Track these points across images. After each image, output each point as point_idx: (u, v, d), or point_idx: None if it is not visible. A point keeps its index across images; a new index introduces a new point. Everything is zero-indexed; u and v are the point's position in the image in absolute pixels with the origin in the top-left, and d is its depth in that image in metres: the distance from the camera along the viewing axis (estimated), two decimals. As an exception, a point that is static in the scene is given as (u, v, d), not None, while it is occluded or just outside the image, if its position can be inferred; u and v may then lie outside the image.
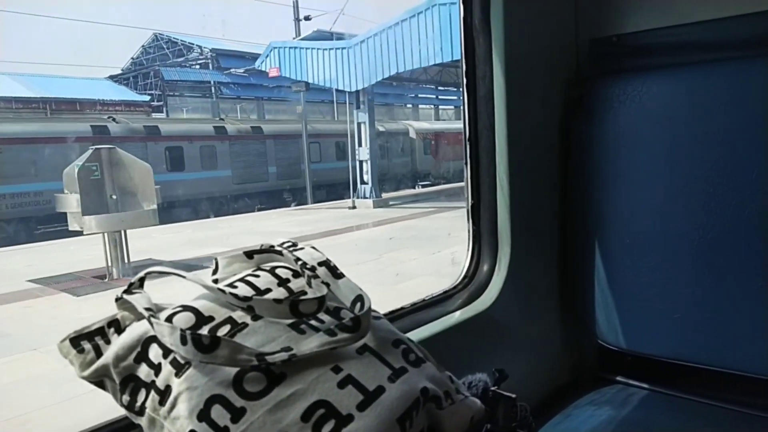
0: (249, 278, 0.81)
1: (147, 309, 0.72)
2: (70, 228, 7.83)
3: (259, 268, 0.85)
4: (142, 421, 0.71)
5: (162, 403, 0.69)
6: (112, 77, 28.43)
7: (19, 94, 21.51)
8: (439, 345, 1.32)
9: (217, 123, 19.89)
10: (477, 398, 0.84)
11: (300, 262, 0.83)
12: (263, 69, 18.19)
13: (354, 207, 16.67)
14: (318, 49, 16.43)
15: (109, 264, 7.69)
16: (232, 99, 28.78)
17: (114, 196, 7.62)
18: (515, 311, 1.59)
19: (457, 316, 1.46)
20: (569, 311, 1.75)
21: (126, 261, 7.65)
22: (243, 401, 0.65)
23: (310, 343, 0.71)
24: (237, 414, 0.65)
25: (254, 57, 27.05)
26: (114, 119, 16.90)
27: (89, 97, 23.44)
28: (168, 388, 0.69)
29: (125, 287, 0.78)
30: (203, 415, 0.65)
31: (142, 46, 30.13)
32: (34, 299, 7.03)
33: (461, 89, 1.53)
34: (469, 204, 1.58)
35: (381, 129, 21.21)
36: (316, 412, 0.65)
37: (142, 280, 0.79)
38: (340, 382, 0.69)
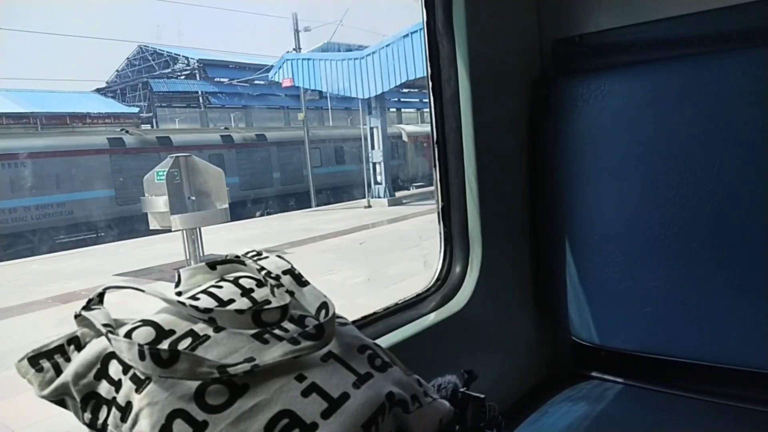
0: (212, 289, 0.80)
1: (105, 325, 0.71)
2: (151, 227, 8.54)
3: (223, 279, 0.84)
4: None
5: (123, 419, 0.68)
6: (98, 90, 28.62)
7: (8, 109, 21.66)
8: (412, 348, 1.32)
9: (224, 132, 20.59)
10: (446, 400, 0.84)
11: (264, 272, 0.83)
12: (276, 80, 19.06)
13: (369, 206, 17.57)
14: (331, 60, 17.37)
15: (188, 257, 8.25)
16: (218, 108, 29.26)
17: (192, 198, 8.39)
18: (489, 311, 1.60)
19: (430, 319, 1.47)
20: (542, 309, 1.76)
21: (201, 255, 8.34)
22: (205, 414, 0.65)
23: (273, 353, 0.70)
24: (199, 428, 0.64)
25: (241, 66, 28.66)
26: (128, 131, 17.40)
27: (79, 111, 23.65)
28: (129, 404, 0.68)
29: (84, 304, 0.77)
30: (165, 430, 0.64)
31: (127, 58, 30.36)
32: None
33: (427, 92, 1.54)
34: (440, 206, 1.58)
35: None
36: (280, 422, 0.65)
37: (101, 296, 0.78)
38: (304, 391, 0.68)
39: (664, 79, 1.49)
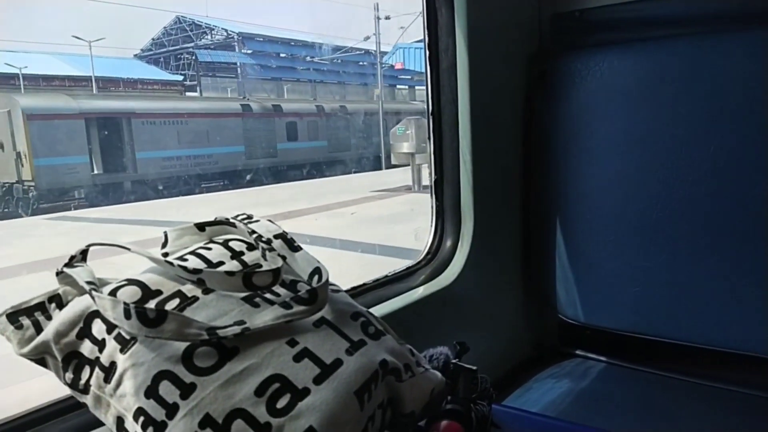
0: (200, 251, 0.77)
1: (89, 282, 0.68)
2: (393, 162, 12.47)
3: (212, 241, 0.81)
4: (87, 400, 0.68)
5: (107, 380, 0.66)
6: (135, 56, 29.41)
7: (66, 72, 21.95)
8: (401, 320, 1.31)
9: (318, 103, 23.13)
10: (438, 371, 0.83)
11: (255, 235, 0.80)
12: (391, 63, 22.64)
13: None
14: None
15: (413, 183, 11.39)
16: (255, 79, 30.66)
17: (423, 144, 10.05)
18: (478, 286, 1.59)
19: (420, 292, 1.46)
20: (531, 286, 1.76)
21: (420, 182, 11.11)
22: (193, 377, 0.62)
23: (265, 317, 0.68)
24: (187, 390, 0.62)
25: (282, 41, 31.24)
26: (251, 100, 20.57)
27: (131, 77, 24.48)
28: (113, 364, 0.65)
29: (66, 261, 0.74)
30: (151, 392, 0.62)
31: (164, 27, 31.24)
32: (387, 198, 11.33)
33: (424, 62, 1.51)
34: (432, 179, 1.56)
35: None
36: (271, 387, 0.63)
37: (84, 253, 0.75)
38: (295, 356, 0.66)
39: (664, 58, 1.47)
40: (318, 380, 0.65)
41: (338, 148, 21.67)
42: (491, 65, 1.53)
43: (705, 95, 1.40)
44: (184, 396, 0.61)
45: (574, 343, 1.77)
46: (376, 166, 20.79)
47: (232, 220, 0.84)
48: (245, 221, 0.85)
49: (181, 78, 27.72)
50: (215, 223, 0.84)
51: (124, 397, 0.64)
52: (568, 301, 1.65)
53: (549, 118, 1.60)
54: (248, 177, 17.35)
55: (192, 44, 29.94)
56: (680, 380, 1.57)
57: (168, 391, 0.62)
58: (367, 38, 23.57)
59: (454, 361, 0.88)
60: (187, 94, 25.64)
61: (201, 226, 0.83)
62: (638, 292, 1.54)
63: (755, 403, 1.45)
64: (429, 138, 1.54)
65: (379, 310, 1.28)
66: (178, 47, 29.96)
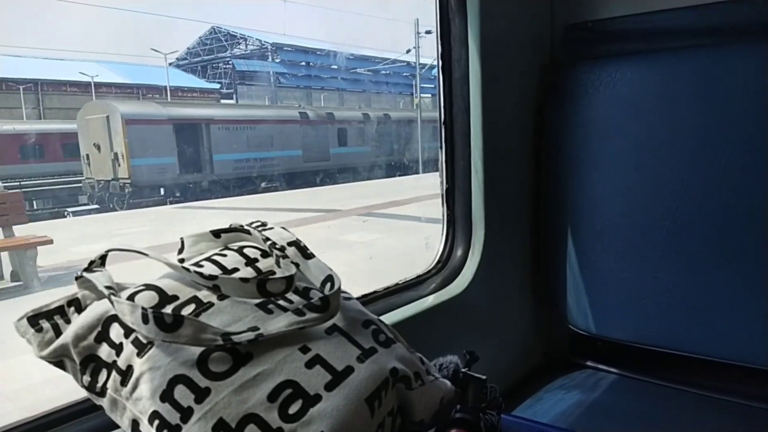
0: (216, 257, 0.79)
1: (108, 287, 0.69)
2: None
3: (227, 248, 0.83)
4: (104, 402, 0.69)
5: (124, 383, 0.67)
6: (170, 65, 31.38)
7: (110, 79, 23.89)
8: (412, 329, 1.32)
9: (364, 111, 25.04)
10: (447, 380, 0.84)
11: (269, 242, 0.81)
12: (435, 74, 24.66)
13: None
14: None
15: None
16: (286, 87, 33.06)
17: None
18: (488, 296, 1.59)
19: (430, 301, 1.46)
20: (541, 296, 1.76)
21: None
22: (208, 381, 0.64)
23: (278, 323, 0.69)
24: (201, 394, 0.63)
25: (313, 51, 33.42)
26: (308, 109, 22.99)
27: (172, 84, 26.58)
28: (130, 368, 0.67)
29: (86, 266, 0.76)
30: (166, 396, 0.63)
31: (199, 37, 33.88)
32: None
33: (437, 72, 1.52)
34: (444, 188, 1.57)
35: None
36: (283, 392, 0.64)
37: (103, 258, 0.77)
38: (308, 362, 0.67)
39: (675, 70, 1.47)
40: (329, 387, 0.66)
41: (382, 153, 23.45)
42: (503, 75, 1.54)
43: (717, 107, 1.40)
44: (199, 400, 0.62)
45: (584, 354, 1.76)
46: (416, 170, 22.04)
47: (246, 227, 0.86)
48: (259, 228, 0.86)
49: (218, 86, 29.66)
50: (230, 230, 0.86)
51: (139, 401, 0.65)
52: (579, 312, 1.65)
53: (560, 128, 1.61)
54: (318, 179, 20.09)
55: (228, 54, 32.00)
56: (691, 393, 1.56)
57: (183, 395, 0.63)
58: (408, 51, 25.52)
59: (463, 370, 0.88)
60: (222, 101, 27.30)
61: (216, 233, 0.85)
62: (649, 304, 1.53)
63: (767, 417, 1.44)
64: (441, 147, 1.55)
65: (389, 318, 1.28)
66: (214, 57, 31.98)
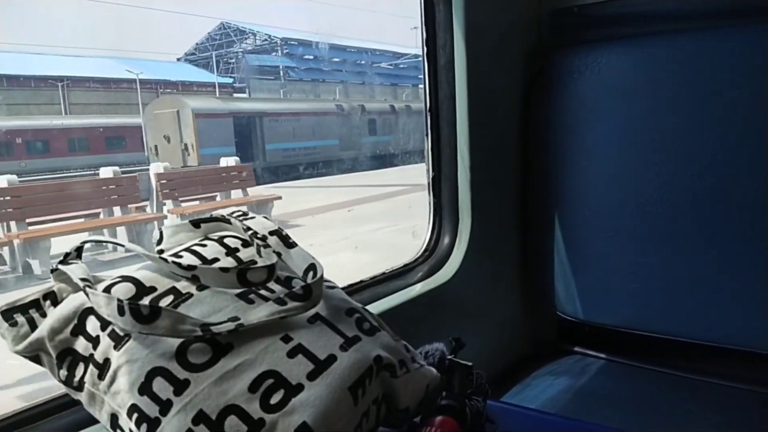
0: (195, 248, 0.77)
1: (83, 279, 0.68)
2: None
3: (207, 238, 0.81)
4: (82, 397, 0.68)
5: (101, 377, 0.65)
6: (178, 60, 32.57)
7: (131, 76, 24.29)
8: (399, 317, 1.31)
9: (390, 102, 26.47)
10: (433, 367, 0.83)
11: (250, 232, 0.80)
12: None
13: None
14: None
15: None
16: (295, 81, 33.51)
17: None
18: (476, 283, 1.59)
19: (417, 289, 1.45)
20: (529, 282, 1.76)
21: None
22: (187, 373, 0.62)
23: (259, 313, 0.68)
24: (180, 386, 0.62)
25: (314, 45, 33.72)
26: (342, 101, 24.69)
27: (186, 79, 27.78)
28: (107, 361, 0.65)
29: (61, 258, 0.74)
30: (144, 389, 0.62)
31: (208, 33, 34.45)
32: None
33: (422, 58, 1.50)
34: (430, 176, 1.56)
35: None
36: (265, 383, 0.63)
37: (79, 250, 0.75)
38: (289, 352, 0.66)
39: (662, 54, 1.46)
40: (312, 376, 0.65)
41: (406, 141, 24.53)
42: (489, 61, 1.53)
43: (704, 90, 1.40)
44: (178, 392, 0.61)
45: (572, 340, 1.77)
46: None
47: (227, 217, 0.84)
48: (240, 218, 0.84)
49: (231, 80, 30.56)
50: (210, 219, 0.84)
51: (118, 394, 0.64)
52: (567, 298, 1.65)
53: (547, 114, 1.60)
54: (353, 165, 20.84)
55: (240, 49, 32.77)
56: (679, 376, 1.57)
57: (162, 387, 0.62)
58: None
59: (449, 357, 0.88)
60: (235, 95, 28.00)
61: (196, 223, 0.83)
62: (637, 289, 1.54)
63: (754, 399, 1.45)
64: (426, 135, 1.54)
65: (376, 307, 1.28)
66: (226, 51, 32.57)
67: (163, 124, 17.15)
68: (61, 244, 6.14)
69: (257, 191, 9.47)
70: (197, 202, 8.50)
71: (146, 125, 17.88)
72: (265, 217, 0.85)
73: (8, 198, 6.45)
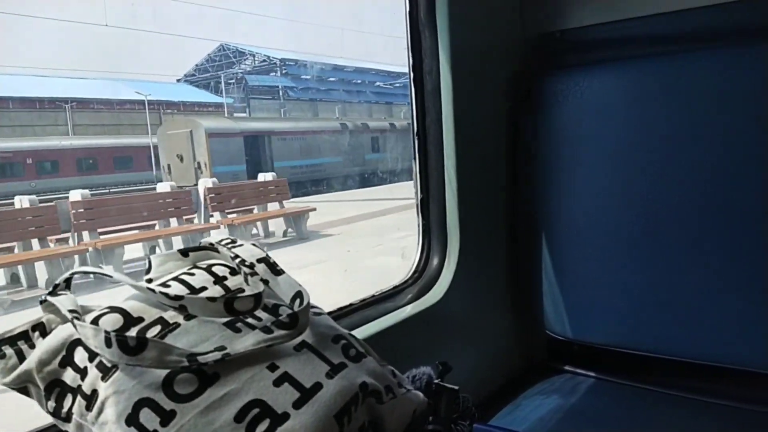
0: (183, 277, 0.78)
1: (71, 311, 0.68)
2: None
3: (195, 266, 0.82)
4: (70, 428, 0.68)
5: (89, 408, 0.66)
6: (177, 80, 33.82)
7: (132, 97, 25.46)
8: (389, 340, 1.32)
9: (390, 121, 27.66)
10: (420, 391, 0.84)
11: (238, 260, 0.81)
12: None
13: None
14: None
15: None
16: (293, 100, 34.55)
17: None
18: (465, 304, 1.60)
19: (407, 311, 1.46)
20: (518, 302, 1.77)
21: None
22: (173, 404, 0.63)
23: (245, 342, 0.69)
24: (167, 417, 0.62)
25: (311, 65, 35.14)
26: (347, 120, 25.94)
27: (188, 100, 28.66)
28: (95, 392, 0.66)
29: (50, 289, 0.75)
30: (131, 420, 0.62)
31: (208, 54, 35.93)
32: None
33: (409, 84, 1.53)
34: (418, 198, 1.58)
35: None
36: (251, 412, 0.64)
37: (68, 281, 0.76)
38: (275, 381, 0.67)
39: (644, 77, 1.50)
40: (298, 404, 0.65)
41: (406, 158, 24.88)
42: (475, 86, 1.56)
43: (685, 112, 1.43)
44: (164, 423, 0.62)
45: (562, 359, 1.77)
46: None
47: (215, 245, 0.85)
48: (229, 245, 0.85)
49: (231, 101, 31.41)
50: (199, 248, 0.85)
51: (105, 425, 0.64)
52: (556, 317, 1.66)
53: (533, 136, 1.63)
54: (357, 181, 22.17)
55: (239, 69, 33.84)
56: (669, 395, 1.58)
57: (148, 418, 0.62)
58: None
59: (436, 381, 0.88)
60: (235, 115, 28.70)
61: (184, 252, 0.84)
62: (626, 307, 1.55)
63: (745, 418, 1.46)
64: (414, 158, 1.56)
65: (365, 331, 1.28)
66: (226, 71, 33.54)
67: (176, 144, 17.69)
68: (130, 252, 6.95)
69: (292, 205, 10.20)
70: (235, 215, 9.07)
71: (159, 145, 18.62)
72: (253, 245, 0.87)
73: (81, 210, 7.17)
